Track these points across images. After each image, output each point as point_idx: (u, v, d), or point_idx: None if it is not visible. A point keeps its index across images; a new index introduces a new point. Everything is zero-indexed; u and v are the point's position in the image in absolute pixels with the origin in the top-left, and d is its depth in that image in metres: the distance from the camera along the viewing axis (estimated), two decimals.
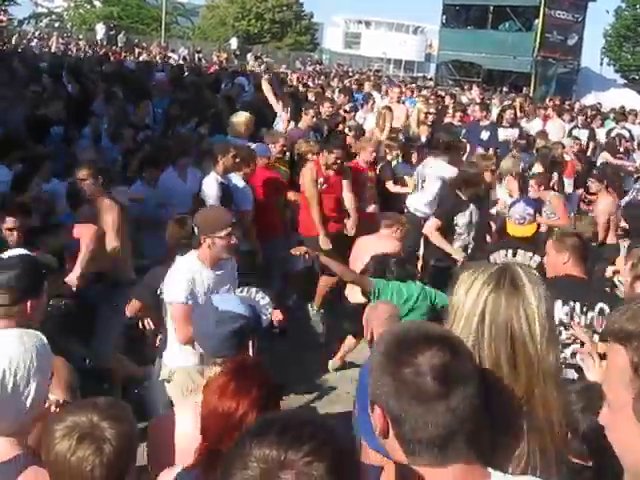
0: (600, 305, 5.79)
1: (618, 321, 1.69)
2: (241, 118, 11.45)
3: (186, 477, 3.13)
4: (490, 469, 2.19)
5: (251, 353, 3.71)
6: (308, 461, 1.71)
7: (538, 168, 12.26)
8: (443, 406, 2.04)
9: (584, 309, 5.80)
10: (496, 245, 8.43)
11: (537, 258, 7.52)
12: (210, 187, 8.83)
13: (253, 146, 10.33)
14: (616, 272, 7.52)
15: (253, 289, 4.33)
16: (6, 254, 4.29)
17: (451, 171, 10.15)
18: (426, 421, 2.04)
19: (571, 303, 5.78)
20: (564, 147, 15.20)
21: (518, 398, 2.44)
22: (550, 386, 2.47)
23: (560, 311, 5.74)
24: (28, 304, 4.06)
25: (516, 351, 2.45)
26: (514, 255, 7.82)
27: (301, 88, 21.64)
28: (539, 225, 8.76)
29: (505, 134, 15.20)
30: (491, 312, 2.50)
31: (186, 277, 5.65)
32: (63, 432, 2.73)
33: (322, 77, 29.03)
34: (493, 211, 10.83)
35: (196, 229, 5.79)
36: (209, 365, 3.69)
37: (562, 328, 5.77)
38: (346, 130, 13.22)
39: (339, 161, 9.79)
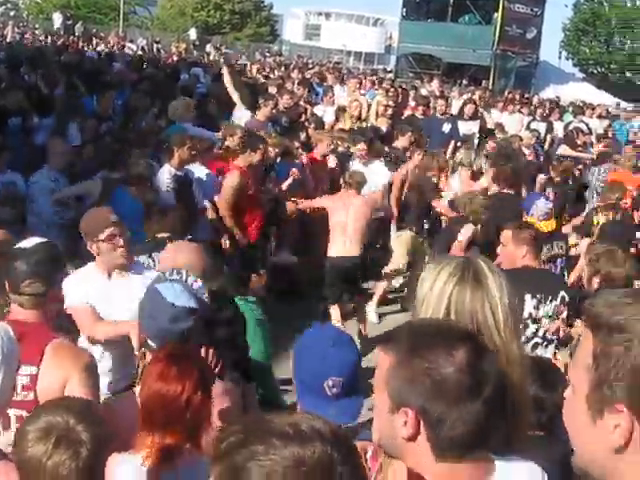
0: (561, 293, 6.07)
1: (596, 307, 1.69)
2: (179, 103, 11.49)
3: (140, 471, 3.12)
4: (494, 457, 2.21)
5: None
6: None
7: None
8: (479, 404, 2.04)
9: (549, 298, 5.98)
10: None
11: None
12: (161, 180, 8.78)
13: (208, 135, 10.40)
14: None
15: (183, 271, 4.08)
16: (27, 242, 4.08)
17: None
18: (465, 420, 2.04)
19: (537, 295, 5.94)
20: (522, 140, 15.32)
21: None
22: (515, 374, 2.51)
23: (529, 304, 5.90)
24: (49, 294, 4.01)
25: None
26: (552, 248, 8.13)
27: (262, 79, 21.56)
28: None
29: (466, 127, 15.27)
30: (456, 304, 2.54)
31: (80, 283, 5.18)
32: (38, 435, 2.70)
33: (282, 68, 28.93)
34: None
35: (84, 237, 5.29)
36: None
37: (529, 321, 5.90)
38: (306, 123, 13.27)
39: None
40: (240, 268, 9.27)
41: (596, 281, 5.99)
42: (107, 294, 5.19)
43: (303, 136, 12.64)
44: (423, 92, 23.57)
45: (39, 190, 8.74)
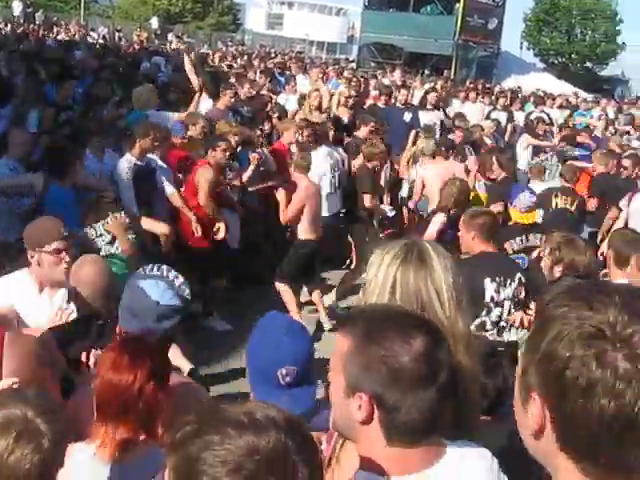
0: (518, 275, 6.16)
1: (544, 299, 1.74)
2: (144, 89, 11.47)
3: (93, 461, 3.15)
4: (446, 442, 2.25)
5: None
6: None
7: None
8: (433, 391, 2.08)
9: (508, 281, 6.08)
10: (508, 233, 8.62)
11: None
12: (122, 170, 8.75)
13: (169, 124, 10.33)
14: None
15: (164, 267, 3.93)
16: None
17: None
18: (419, 407, 2.07)
19: (497, 279, 6.03)
20: (483, 129, 15.42)
21: None
22: (460, 350, 2.57)
23: (490, 287, 6.00)
24: None
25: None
26: (527, 240, 8.23)
27: (225, 68, 21.48)
28: None
29: (428, 117, 15.33)
30: (401, 285, 2.61)
31: (7, 291, 4.93)
32: None
33: (244, 57, 28.83)
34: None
35: (26, 244, 5.03)
36: None
37: (492, 305, 6.00)
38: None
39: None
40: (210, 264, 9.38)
41: (558, 270, 6.04)
42: (33, 308, 4.82)
43: (268, 126, 12.65)
44: (385, 82, 23.61)
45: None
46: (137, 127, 9.27)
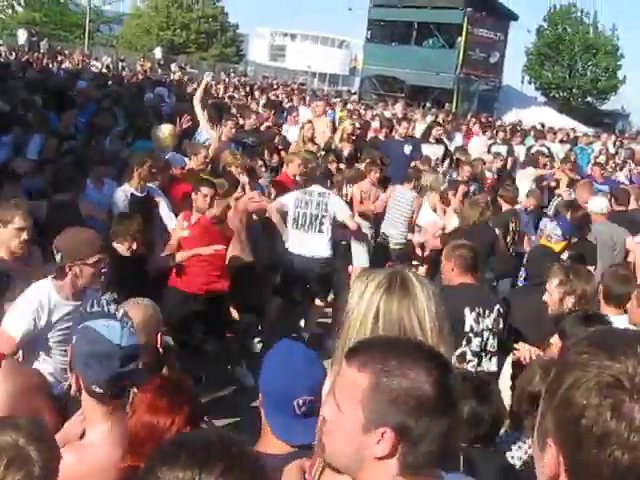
0: (497, 307, 6.18)
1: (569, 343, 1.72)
2: (165, 131, 11.30)
3: None
4: (442, 472, 2.22)
5: None
6: None
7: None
8: (451, 419, 2.07)
9: (486, 312, 6.11)
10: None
11: None
12: (118, 199, 8.77)
13: (168, 156, 10.37)
14: None
15: (103, 301, 3.57)
16: None
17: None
18: (439, 436, 2.05)
19: (476, 309, 6.05)
20: (485, 163, 15.43)
21: None
22: None
23: (469, 317, 6.03)
24: None
25: None
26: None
27: (227, 100, 21.58)
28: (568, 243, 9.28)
29: (431, 150, 15.34)
30: (384, 313, 2.62)
31: (32, 309, 4.97)
32: None
33: (247, 88, 28.97)
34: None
35: (58, 255, 5.06)
36: (102, 405, 3.29)
37: (472, 335, 6.03)
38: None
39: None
40: None
41: (570, 301, 6.03)
42: (68, 317, 4.96)
43: (276, 159, 12.65)
44: (387, 114, 23.70)
45: None
46: (134, 156, 9.29)
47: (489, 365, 6.18)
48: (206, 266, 8.39)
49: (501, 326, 6.24)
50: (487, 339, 6.16)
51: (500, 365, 6.30)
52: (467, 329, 6.08)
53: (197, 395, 3.40)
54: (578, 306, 5.97)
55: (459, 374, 4.33)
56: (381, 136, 16.38)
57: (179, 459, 1.76)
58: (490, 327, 6.16)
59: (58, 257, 5.04)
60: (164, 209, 9.09)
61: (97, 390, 3.28)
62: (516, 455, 4.28)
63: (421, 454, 2.06)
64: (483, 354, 6.17)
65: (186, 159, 10.91)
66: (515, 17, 48.46)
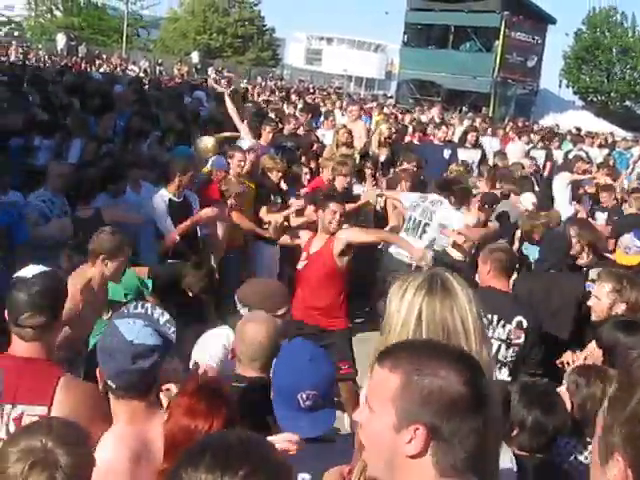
0: (518, 318, 6.04)
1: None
2: (208, 144, 11.27)
3: None
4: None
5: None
6: None
7: (483, 187, 12.16)
8: (482, 420, 2.07)
9: (501, 322, 6.04)
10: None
11: None
12: (157, 204, 8.81)
13: (212, 159, 10.33)
14: None
15: (149, 305, 3.86)
16: (27, 270, 3.88)
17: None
18: (471, 435, 2.05)
19: (489, 316, 5.97)
20: (524, 167, 15.34)
21: None
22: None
23: None
24: (54, 326, 3.90)
25: None
26: None
27: (262, 104, 21.63)
28: None
29: (467, 155, 15.28)
30: (427, 315, 2.60)
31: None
32: (17, 456, 2.66)
33: (283, 92, 29.03)
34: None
35: (244, 308, 5.21)
36: (118, 400, 3.44)
37: None
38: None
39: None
40: None
41: (620, 309, 5.92)
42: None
43: (314, 164, 12.61)
44: (423, 119, 23.65)
45: (31, 210, 8.69)
46: (177, 163, 9.26)
47: (498, 374, 6.05)
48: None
49: (520, 340, 6.09)
50: (498, 349, 6.04)
51: (515, 377, 6.14)
52: None
53: (233, 399, 3.38)
54: (627, 316, 5.79)
55: (522, 382, 4.35)
56: (415, 140, 16.36)
57: (203, 461, 1.78)
58: (503, 338, 6.07)
59: (243, 311, 5.15)
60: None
61: (110, 384, 3.41)
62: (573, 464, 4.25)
63: (453, 454, 2.06)
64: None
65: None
66: (553, 20, 48.17)
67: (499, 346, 6.06)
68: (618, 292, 5.95)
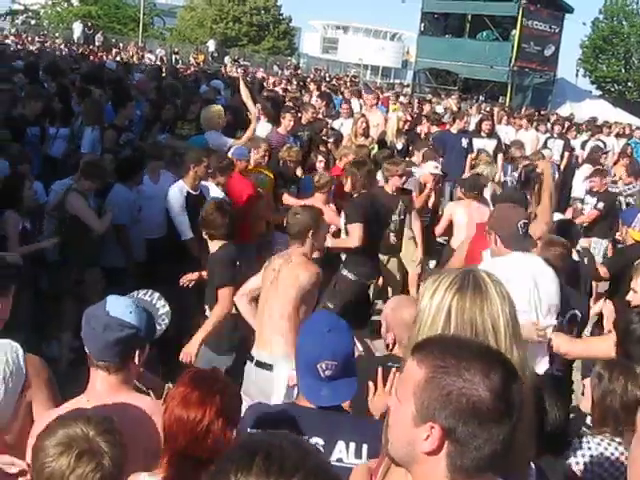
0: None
1: None
2: (212, 111, 11.55)
3: None
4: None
5: (137, 362, 3.61)
6: None
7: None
8: (506, 429, 2.05)
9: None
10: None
11: None
12: (174, 197, 8.81)
13: (232, 150, 10.28)
14: None
15: (156, 295, 4.02)
16: None
17: None
18: (491, 443, 2.04)
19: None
20: (544, 157, 15.29)
21: None
22: None
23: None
24: None
25: None
26: None
27: (280, 92, 21.60)
28: None
29: (482, 143, 15.26)
30: (456, 312, 2.59)
31: None
32: (59, 449, 2.67)
33: (300, 82, 29.00)
34: None
35: None
36: (93, 368, 3.56)
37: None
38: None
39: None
40: None
41: None
42: None
43: (323, 149, 12.61)
44: (439, 109, 23.60)
45: (53, 199, 8.75)
46: (190, 153, 9.26)
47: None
48: None
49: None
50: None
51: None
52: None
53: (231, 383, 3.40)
54: None
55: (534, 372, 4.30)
56: (434, 129, 16.37)
57: (253, 466, 1.73)
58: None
59: None
60: None
61: (87, 351, 3.56)
62: (581, 461, 4.23)
63: (470, 458, 2.06)
64: None
65: (230, 141, 11.09)
66: (570, 9, 47.80)
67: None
68: None
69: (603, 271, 8.51)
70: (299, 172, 11.22)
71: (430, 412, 2.06)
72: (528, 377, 2.64)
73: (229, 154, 9.99)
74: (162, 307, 3.94)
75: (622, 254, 8.98)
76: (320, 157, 11.58)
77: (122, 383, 3.54)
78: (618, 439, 4.23)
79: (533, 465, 2.86)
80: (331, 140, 13.10)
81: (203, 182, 9.14)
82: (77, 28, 42.77)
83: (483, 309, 2.58)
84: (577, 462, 4.21)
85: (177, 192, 8.79)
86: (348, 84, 27.40)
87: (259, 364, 5.98)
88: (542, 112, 30.88)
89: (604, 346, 5.04)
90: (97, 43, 38.65)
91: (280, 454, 1.76)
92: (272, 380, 5.85)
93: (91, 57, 28.27)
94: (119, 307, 3.51)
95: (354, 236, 8.56)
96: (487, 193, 11.59)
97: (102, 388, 3.51)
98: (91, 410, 2.94)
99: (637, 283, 5.96)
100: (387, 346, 4.59)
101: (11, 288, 4.17)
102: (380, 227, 9.27)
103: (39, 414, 3.58)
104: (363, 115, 14.28)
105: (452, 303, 2.60)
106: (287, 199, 10.35)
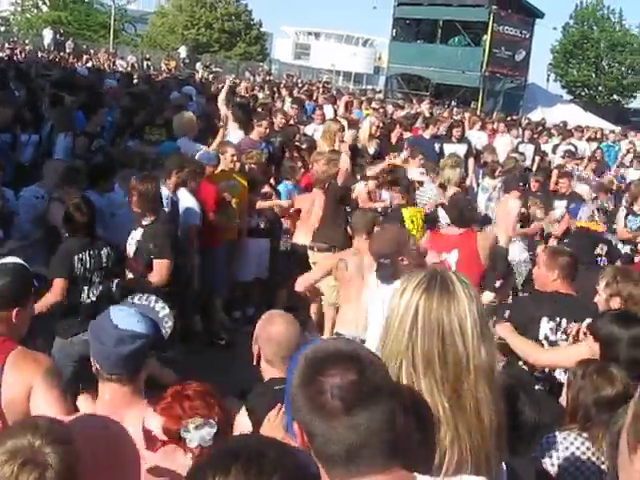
0: (588, 322, 5.95)
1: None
2: (185, 118, 11.54)
3: None
4: (417, 474, 2.25)
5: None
6: None
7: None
8: (345, 423, 2.08)
9: (571, 325, 5.94)
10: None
11: None
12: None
13: (198, 154, 10.33)
14: None
15: (153, 297, 4.06)
16: None
17: None
18: (330, 438, 2.08)
19: (557, 319, 6.02)
20: (517, 161, 15.38)
21: (443, 401, 2.52)
22: (481, 382, 2.55)
23: (545, 326, 6.02)
24: (14, 312, 4.01)
25: (446, 348, 2.54)
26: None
27: (251, 99, 21.55)
28: None
29: (453, 149, 15.28)
30: (423, 312, 2.59)
31: None
32: (4, 457, 2.65)
33: (273, 88, 28.95)
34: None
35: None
36: (102, 381, 3.51)
37: (545, 343, 5.96)
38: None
39: None
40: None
41: (616, 302, 5.93)
42: None
43: (296, 155, 12.60)
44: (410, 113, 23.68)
45: (22, 205, 8.71)
46: (171, 160, 9.25)
47: (561, 376, 6.04)
48: None
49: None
50: None
51: None
52: (541, 337, 6.00)
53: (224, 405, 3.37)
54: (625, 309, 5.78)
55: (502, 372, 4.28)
56: (406, 135, 16.37)
57: (231, 468, 1.74)
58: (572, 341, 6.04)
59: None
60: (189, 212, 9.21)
61: (95, 364, 3.50)
62: (548, 456, 4.25)
63: (321, 452, 2.12)
64: None
65: (203, 148, 11.07)
66: (541, 15, 48.19)
67: None
68: (611, 286, 5.99)
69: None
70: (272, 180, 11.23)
71: (293, 412, 2.18)
72: (497, 377, 2.65)
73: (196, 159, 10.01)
74: (162, 309, 3.94)
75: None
76: (299, 163, 11.60)
77: (134, 393, 3.51)
78: (585, 434, 4.29)
79: (505, 466, 2.86)
80: (304, 146, 13.07)
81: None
82: (47, 34, 42.56)
83: (450, 309, 2.58)
84: (545, 457, 4.26)
85: (163, 197, 8.71)
86: (321, 90, 27.34)
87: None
88: (514, 117, 31.03)
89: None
90: (68, 50, 38.47)
91: (259, 455, 1.78)
92: None
93: (62, 64, 28.11)
94: (126, 318, 3.47)
95: None
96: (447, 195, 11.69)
97: (114, 400, 3.48)
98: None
99: (600, 286, 6.08)
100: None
101: (30, 298, 4.22)
102: None
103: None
104: (337, 120, 14.20)
105: (419, 303, 2.60)
106: (260, 204, 10.36)
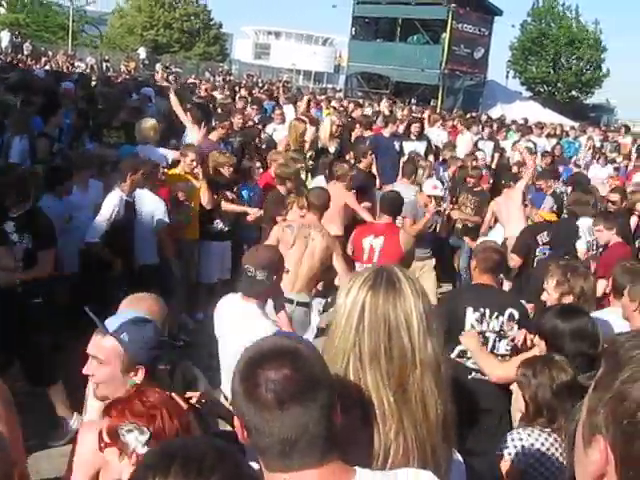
0: (510, 310, 6.14)
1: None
2: (148, 123, 11.47)
3: None
4: (357, 467, 2.28)
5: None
6: None
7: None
8: (278, 417, 2.12)
9: (495, 314, 6.13)
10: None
11: None
12: (110, 203, 8.69)
13: (147, 151, 10.48)
14: None
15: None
16: None
17: None
18: (264, 431, 2.13)
19: (481, 309, 6.12)
20: (477, 159, 15.46)
21: (388, 395, 2.55)
22: (427, 376, 2.59)
23: (471, 317, 6.13)
24: None
25: (392, 343, 2.58)
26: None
27: (210, 99, 21.47)
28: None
29: (413, 146, 15.35)
30: (369, 308, 2.62)
31: None
32: None
33: (234, 88, 28.86)
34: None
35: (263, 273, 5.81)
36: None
37: (473, 330, 6.11)
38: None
39: None
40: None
41: (569, 300, 6.01)
42: None
43: (257, 158, 12.56)
44: (369, 111, 23.75)
45: None
46: (125, 163, 9.22)
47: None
48: None
49: (513, 332, 6.12)
50: (494, 341, 6.14)
51: None
52: (468, 327, 6.10)
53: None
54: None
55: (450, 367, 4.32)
56: (367, 134, 16.41)
57: (171, 470, 1.74)
58: (497, 330, 6.13)
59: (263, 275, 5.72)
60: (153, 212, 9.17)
61: None
62: (512, 452, 4.30)
63: (263, 446, 2.17)
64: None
65: (169, 153, 11.10)
66: (499, 12, 48.43)
67: (494, 339, 6.15)
68: (562, 285, 6.07)
69: (515, 260, 9.12)
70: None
71: (234, 406, 2.25)
72: (443, 372, 2.66)
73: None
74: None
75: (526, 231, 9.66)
76: (258, 164, 11.61)
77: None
78: (548, 429, 4.34)
79: (462, 459, 2.89)
80: (264, 147, 13.09)
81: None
82: (4, 37, 42.06)
83: (396, 305, 2.62)
84: (509, 454, 4.30)
85: (115, 200, 8.66)
86: (281, 90, 27.29)
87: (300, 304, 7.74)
88: (473, 114, 31.20)
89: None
90: (25, 52, 38.04)
91: (198, 456, 1.78)
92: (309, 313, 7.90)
93: (20, 66, 27.79)
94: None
95: None
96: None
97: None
98: None
99: (549, 285, 6.18)
100: None
101: None
102: None
103: None
104: (299, 119, 14.20)
105: (366, 299, 2.63)
106: (225, 206, 10.35)
